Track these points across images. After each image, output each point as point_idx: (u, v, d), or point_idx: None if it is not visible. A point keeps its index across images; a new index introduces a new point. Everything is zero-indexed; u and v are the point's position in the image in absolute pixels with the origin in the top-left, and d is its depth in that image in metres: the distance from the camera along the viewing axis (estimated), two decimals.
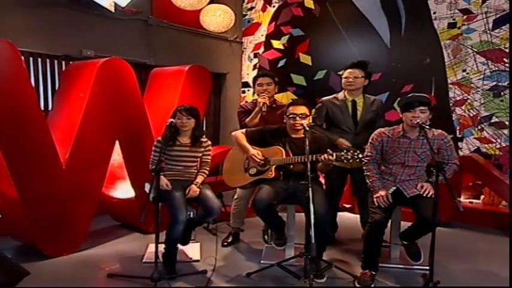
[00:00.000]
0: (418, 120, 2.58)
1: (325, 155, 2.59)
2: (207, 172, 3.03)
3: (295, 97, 5.29)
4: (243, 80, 5.95)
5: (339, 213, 3.64)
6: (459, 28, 4.28)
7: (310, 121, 2.80)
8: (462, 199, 4.30)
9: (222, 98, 5.90)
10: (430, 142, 2.53)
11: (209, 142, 3.07)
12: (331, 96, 3.34)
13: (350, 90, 3.22)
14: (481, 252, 3.39)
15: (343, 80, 3.25)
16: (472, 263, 3.12)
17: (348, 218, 4.13)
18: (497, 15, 4.07)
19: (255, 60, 5.79)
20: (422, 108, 2.63)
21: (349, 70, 3.21)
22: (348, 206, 4.49)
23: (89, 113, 3.12)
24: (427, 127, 2.57)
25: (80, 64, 3.46)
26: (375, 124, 3.18)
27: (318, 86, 5.18)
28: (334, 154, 2.59)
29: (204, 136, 3.04)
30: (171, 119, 2.83)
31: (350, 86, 3.21)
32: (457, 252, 3.34)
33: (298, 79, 5.39)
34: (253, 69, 5.80)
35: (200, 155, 3.01)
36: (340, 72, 3.33)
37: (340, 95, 3.29)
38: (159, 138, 2.94)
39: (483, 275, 2.92)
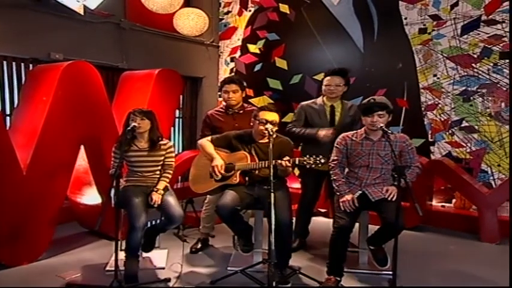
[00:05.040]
0: (379, 125, 2.60)
1: (282, 162, 2.57)
2: (169, 176, 2.94)
3: (272, 101, 5.29)
4: (219, 84, 5.90)
5: (313, 218, 3.61)
6: (429, 33, 4.33)
7: (276, 128, 2.76)
8: (434, 203, 4.33)
9: (199, 102, 5.85)
10: (392, 145, 2.55)
11: (170, 144, 3.00)
12: (310, 101, 3.36)
13: (331, 97, 3.23)
14: (452, 255, 3.40)
15: (325, 88, 3.24)
16: (443, 266, 3.13)
17: (322, 223, 4.12)
18: (465, 22, 4.13)
19: (232, 64, 5.77)
20: (380, 112, 2.65)
21: (330, 78, 3.21)
22: (323, 210, 4.47)
23: (51, 116, 3.03)
24: (389, 131, 2.58)
25: (45, 67, 3.37)
26: (351, 128, 3.17)
27: (293, 90, 5.19)
28: (297, 159, 2.57)
29: (163, 139, 2.96)
30: (134, 123, 2.76)
31: (331, 94, 3.22)
32: (428, 256, 3.34)
33: (275, 83, 5.39)
34: (230, 73, 5.77)
35: (162, 158, 2.93)
36: (317, 77, 3.31)
37: (319, 100, 3.31)
38: (116, 143, 2.87)
39: (453, 277, 2.93)
